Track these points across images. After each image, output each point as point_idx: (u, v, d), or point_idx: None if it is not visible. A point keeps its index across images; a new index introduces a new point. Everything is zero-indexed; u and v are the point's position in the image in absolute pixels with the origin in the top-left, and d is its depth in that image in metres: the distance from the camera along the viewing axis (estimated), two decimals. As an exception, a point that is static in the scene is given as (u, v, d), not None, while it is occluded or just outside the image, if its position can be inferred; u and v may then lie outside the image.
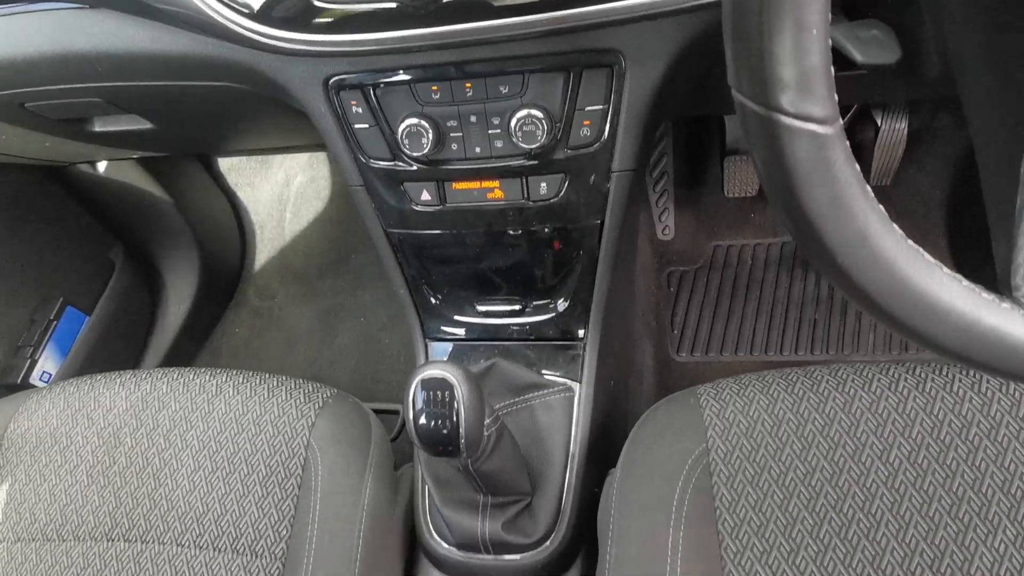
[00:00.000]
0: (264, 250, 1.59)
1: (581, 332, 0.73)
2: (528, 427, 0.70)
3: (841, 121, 0.28)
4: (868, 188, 0.29)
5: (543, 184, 0.63)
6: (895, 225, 0.30)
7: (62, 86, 0.70)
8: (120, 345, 1.27)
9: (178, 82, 0.67)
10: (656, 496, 0.58)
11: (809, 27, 0.26)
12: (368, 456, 0.71)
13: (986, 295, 0.30)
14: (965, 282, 0.30)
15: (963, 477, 0.56)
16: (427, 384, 0.52)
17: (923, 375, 0.61)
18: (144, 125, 0.80)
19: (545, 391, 0.71)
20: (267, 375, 0.78)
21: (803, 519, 0.57)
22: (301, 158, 1.59)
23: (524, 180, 0.63)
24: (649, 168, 1.38)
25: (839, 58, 0.30)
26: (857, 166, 0.29)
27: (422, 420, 0.52)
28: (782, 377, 0.64)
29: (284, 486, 0.71)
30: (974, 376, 0.59)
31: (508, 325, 0.74)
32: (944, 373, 0.61)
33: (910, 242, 0.29)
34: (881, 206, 0.29)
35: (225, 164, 1.55)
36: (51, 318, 1.08)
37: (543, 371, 0.73)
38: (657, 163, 1.35)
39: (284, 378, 0.78)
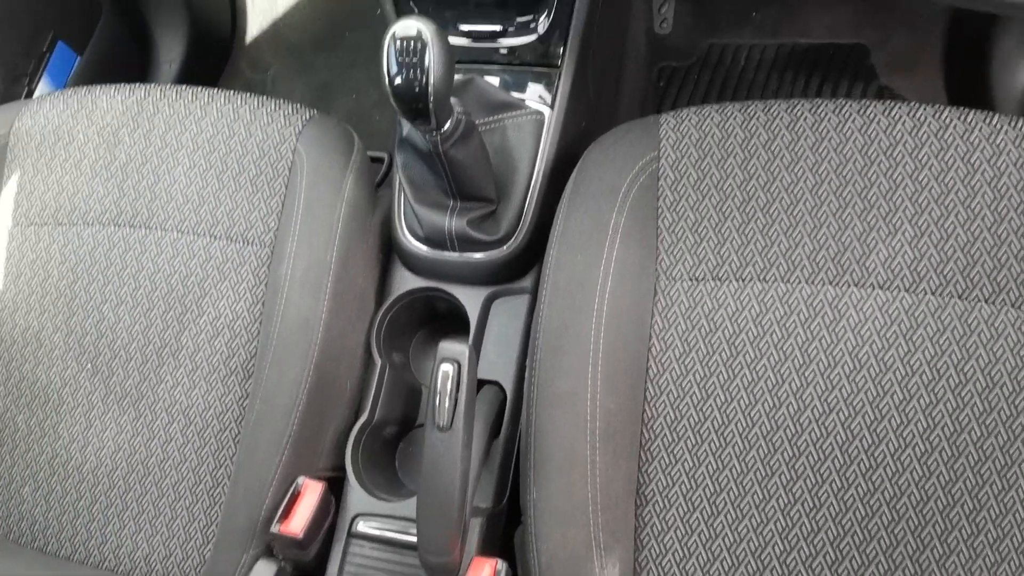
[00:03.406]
0: (256, 21, 1.56)
1: (559, 59, 0.76)
2: (499, 146, 0.75)
3: None
4: None
5: None
6: None
7: None
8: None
9: None
10: (606, 186, 0.64)
11: None
12: (350, 159, 0.77)
13: None
14: None
15: (878, 188, 0.62)
16: (400, 37, 0.56)
17: (872, 114, 0.65)
18: None
19: (517, 112, 0.75)
20: (255, 95, 0.82)
21: (733, 216, 0.64)
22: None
23: None
24: None
25: None
26: None
27: (397, 80, 0.57)
28: (740, 107, 0.68)
29: (272, 184, 0.77)
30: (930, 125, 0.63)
31: (490, 49, 0.77)
32: (892, 113, 0.65)
33: None
34: None
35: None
36: (44, 50, 1.09)
37: (519, 95, 0.77)
38: None
39: (272, 97, 0.82)
